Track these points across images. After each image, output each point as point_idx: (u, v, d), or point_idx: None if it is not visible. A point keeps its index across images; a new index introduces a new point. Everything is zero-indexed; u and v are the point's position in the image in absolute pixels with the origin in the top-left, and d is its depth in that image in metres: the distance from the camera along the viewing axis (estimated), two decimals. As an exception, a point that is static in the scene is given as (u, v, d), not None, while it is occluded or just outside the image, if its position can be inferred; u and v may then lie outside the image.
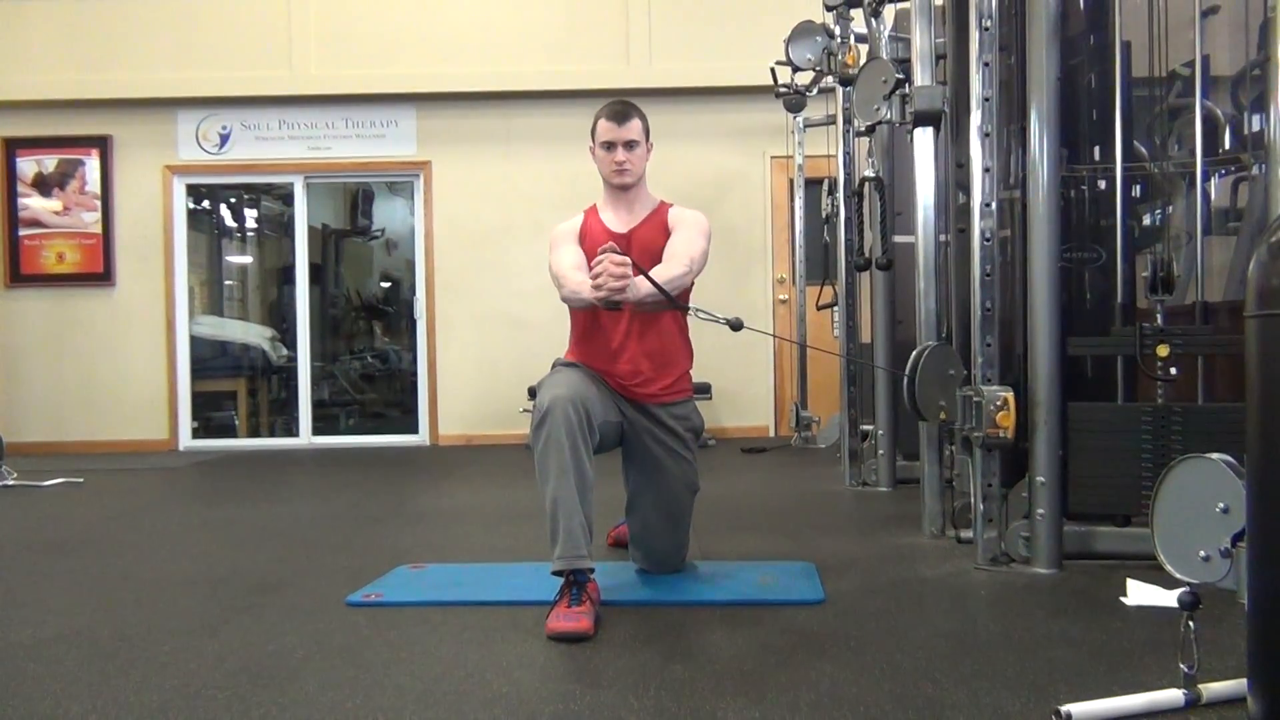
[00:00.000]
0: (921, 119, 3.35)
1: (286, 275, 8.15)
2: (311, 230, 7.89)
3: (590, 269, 2.46)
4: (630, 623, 2.39)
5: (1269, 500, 1.59)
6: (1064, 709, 1.69)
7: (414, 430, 7.62)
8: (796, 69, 5.34)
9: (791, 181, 7.14)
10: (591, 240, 2.73)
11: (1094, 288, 3.25)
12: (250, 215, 9.06)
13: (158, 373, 7.50)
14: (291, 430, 7.79)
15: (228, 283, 9.03)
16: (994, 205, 2.93)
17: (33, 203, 7.51)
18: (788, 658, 2.10)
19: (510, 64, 7.36)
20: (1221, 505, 2.04)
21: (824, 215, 6.20)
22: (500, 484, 5.11)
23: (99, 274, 7.49)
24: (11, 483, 5.35)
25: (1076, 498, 2.89)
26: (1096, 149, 3.24)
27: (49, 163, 7.51)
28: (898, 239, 4.40)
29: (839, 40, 4.66)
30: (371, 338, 9.90)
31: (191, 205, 7.84)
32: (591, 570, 2.40)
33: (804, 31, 5.01)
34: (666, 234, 2.77)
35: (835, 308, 5.61)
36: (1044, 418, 2.81)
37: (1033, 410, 2.83)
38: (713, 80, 7.27)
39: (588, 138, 2.83)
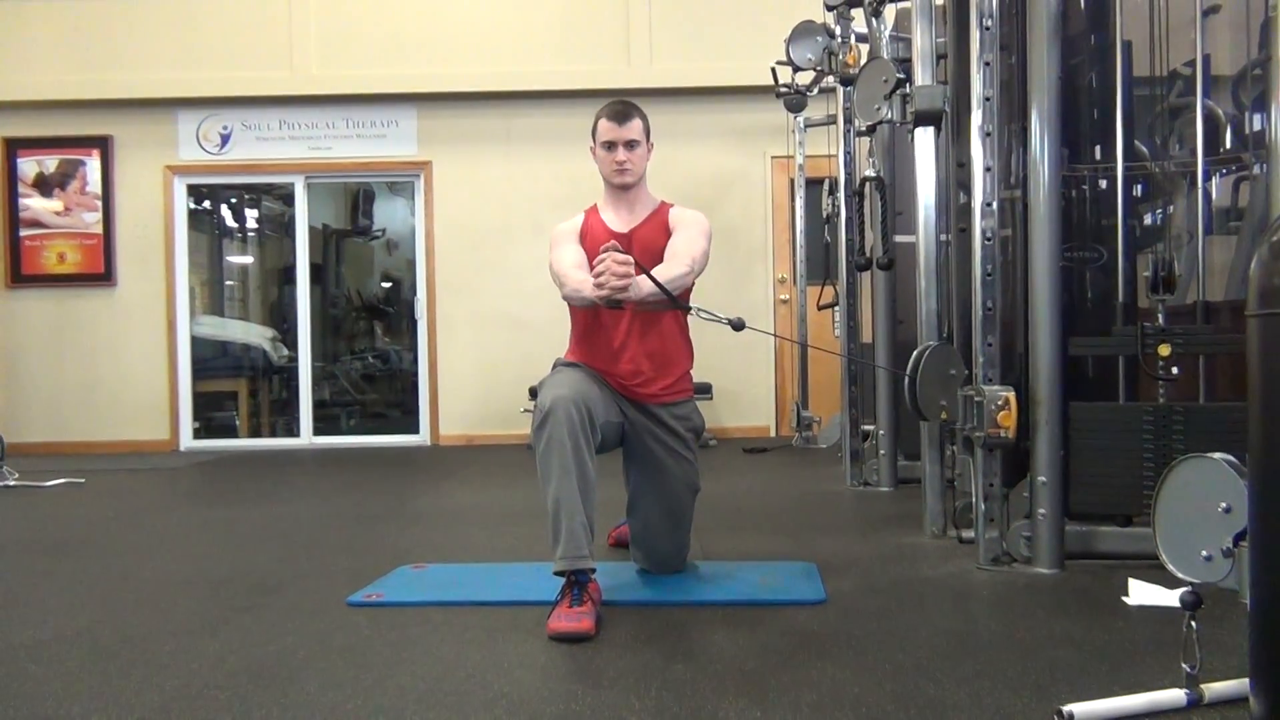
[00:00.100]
0: (922, 118, 3.35)
1: (287, 275, 8.15)
2: (312, 230, 7.90)
3: (592, 268, 2.45)
4: (631, 623, 2.39)
5: (1271, 500, 1.58)
6: (1066, 709, 1.69)
7: (415, 430, 7.62)
8: (797, 69, 5.33)
9: (792, 181, 7.14)
10: (592, 240, 2.72)
11: (1095, 287, 3.25)
12: (251, 215, 9.06)
13: (159, 373, 7.50)
14: (292, 430, 7.79)
15: (229, 283, 9.03)
16: (995, 205, 2.93)
17: (33, 203, 7.51)
18: (789, 658, 2.10)
19: (511, 64, 7.36)
20: (1223, 505, 2.03)
21: (825, 215, 6.20)
22: (501, 484, 5.11)
23: (100, 274, 7.49)
24: (12, 483, 5.35)
25: (1078, 497, 2.89)
26: (1098, 148, 3.24)
27: (50, 163, 7.52)
28: (899, 239, 4.40)
29: (840, 40, 4.66)
30: (372, 338, 9.90)
31: (192, 205, 7.85)
32: (593, 570, 2.39)
33: (805, 31, 5.01)
34: (667, 234, 2.77)
35: (836, 307, 5.60)
36: (1045, 417, 2.81)
37: (1034, 410, 2.83)
38: (713, 80, 7.28)
39: (588, 138, 2.83)
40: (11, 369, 7.49)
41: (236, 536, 3.76)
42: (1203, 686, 1.75)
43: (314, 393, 7.80)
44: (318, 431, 7.71)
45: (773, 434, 7.44)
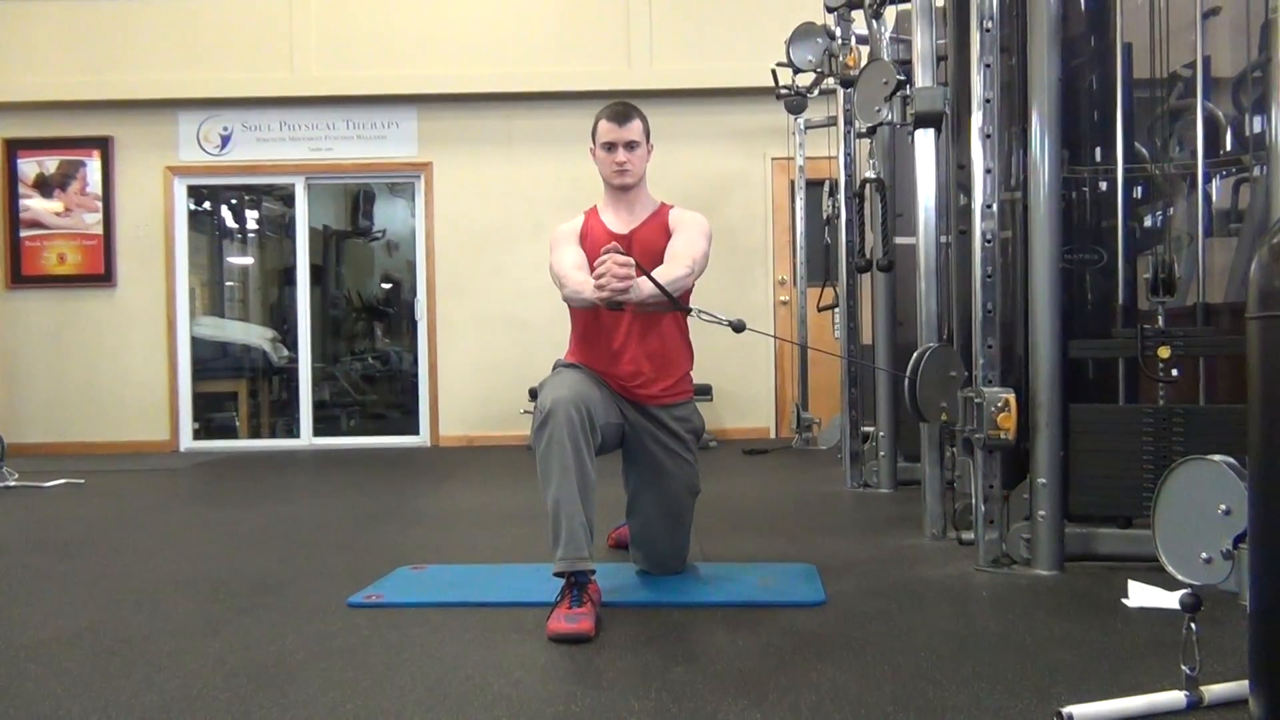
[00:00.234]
0: (922, 120, 3.35)
1: (287, 276, 8.15)
2: (312, 231, 7.89)
3: (592, 269, 2.45)
4: (631, 624, 2.39)
5: (1271, 502, 1.58)
6: (1065, 710, 1.69)
7: (415, 431, 7.62)
8: (797, 70, 5.34)
9: (792, 183, 7.14)
10: (592, 241, 2.73)
11: (1095, 289, 3.25)
12: (251, 216, 9.06)
13: (159, 374, 7.50)
14: (292, 431, 7.79)
15: (229, 284, 9.03)
16: (995, 207, 2.93)
17: (34, 204, 7.51)
18: (789, 659, 2.10)
19: (511, 65, 7.36)
20: (1223, 507, 2.04)
21: (825, 217, 6.20)
22: (501, 485, 5.11)
23: (100, 275, 7.49)
24: (13, 484, 5.35)
25: (1078, 499, 2.89)
26: (1098, 150, 3.24)
27: (50, 164, 7.52)
28: (899, 240, 4.40)
29: (840, 42, 4.66)
30: (372, 339, 9.90)
31: (192, 206, 7.84)
32: (593, 571, 2.40)
33: (805, 33, 5.01)
34: (667, 235, 2.77)
35: (836, 309, 5.61)
36: (1045, 419, 2.81)
37: (1034, 412, 2.83)
38: (713, 82, 7.27)
39: (588, 139, 2.83)
40: (11, 370, 7.49)
41: (236, 537, 3.76)
42: (1202, 688, 1.75)
43: (314, 393, 7.80)
44: (318, 432, 7.71)
45: (773, 435, 7.43)
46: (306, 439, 7.66)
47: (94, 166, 7.50)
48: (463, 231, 7.49)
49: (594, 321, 2.74)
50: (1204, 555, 2.06)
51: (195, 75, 7.37)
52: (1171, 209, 3.34)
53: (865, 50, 4.52)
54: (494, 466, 6.02)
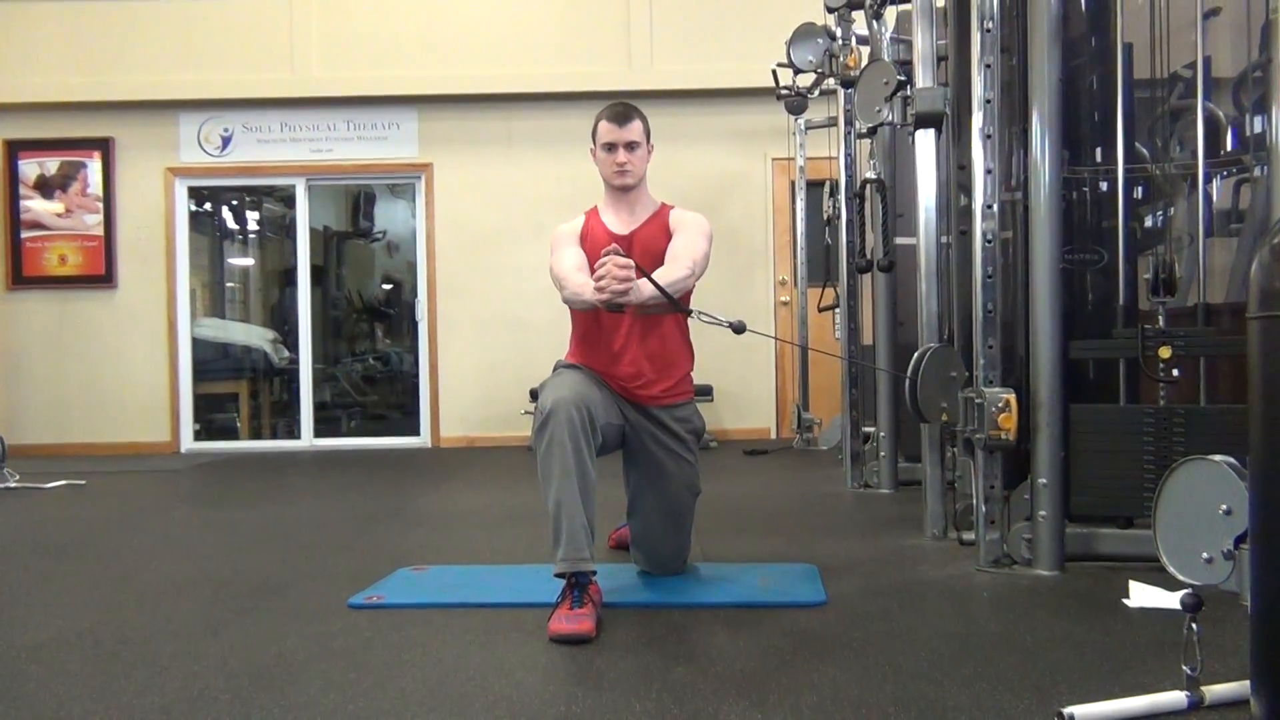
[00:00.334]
0: (923, 121, 3.36)
1: (288, 277, 8.15)
2: (313, 232, 7.90)
3: (593, 271, 2.46)
4: (632, 625, 2.39)
5: (1272, 502, 1.58)
6: (1066, 711, 1.69)
7: (415, 432, 7.62)
8: (798, 71, 5.34)
9: (793, 183, 7.14)
10: (593, 242, 2.73)
11: (1096, 289, 3.24)
12: (252, 217, 9.07)
13: (159, 375, 7.51)
14: (293, 432, 7.80)
15: (229, 285, 9.04)
16: (996, 207, 2.93)
17: (35, 205, 7.52)
18: (789, 660, 2.10)
19: (511, 66, 7.37)
20: (1224, 507, 2.03)
21: (825, 217, 6.21)
22: (502, 486, 5.12)
23: (101, 276, 7.50)
24: (14, 485, 5.35)
25: (1079, 499, 2.89)
26: (1098, 151, 3.24)
27: (51, 165, 7.52)
28: (899, 241, 4.40)
29: (840, 42, 4.66)
30: (373, 340, 9.90)
31: (193, 207, 7.85)
32: (593, 572, 2.40)
33: (805, 33, 5.01)
34: (668, 236, 2.77)
35: (837, 309, 5.61)
36: (1046, 419, 2.81)
37: (1035, 412, 2.83)
38: (714, 82, 7.28)
39: (589, 140, 2.83)
40: (12, 371, 7.49)
41: (237, 538, 3.76)
42: (1203, 689, 1.75)
43: (315, 394, 7.81)
44: (318, 433, 7.72)
45: (773, 436, 7.44)
46: (307, 440, 7.66)
47: (95, 168, 7.51)
48: (463, 232, 7.50)
49: (594, 322, 2.74)
50: (1205, 555, 2.06)
51: (196, 76, 7.38)
52: (1172, 209, 3.34)
53: (866, 51, 4.52)
54: (495, 467, 6.02)
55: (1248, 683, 1.68)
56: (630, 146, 2.75)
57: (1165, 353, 2.80)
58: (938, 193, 3.49)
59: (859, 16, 4.53)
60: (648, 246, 2.72)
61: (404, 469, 6.14)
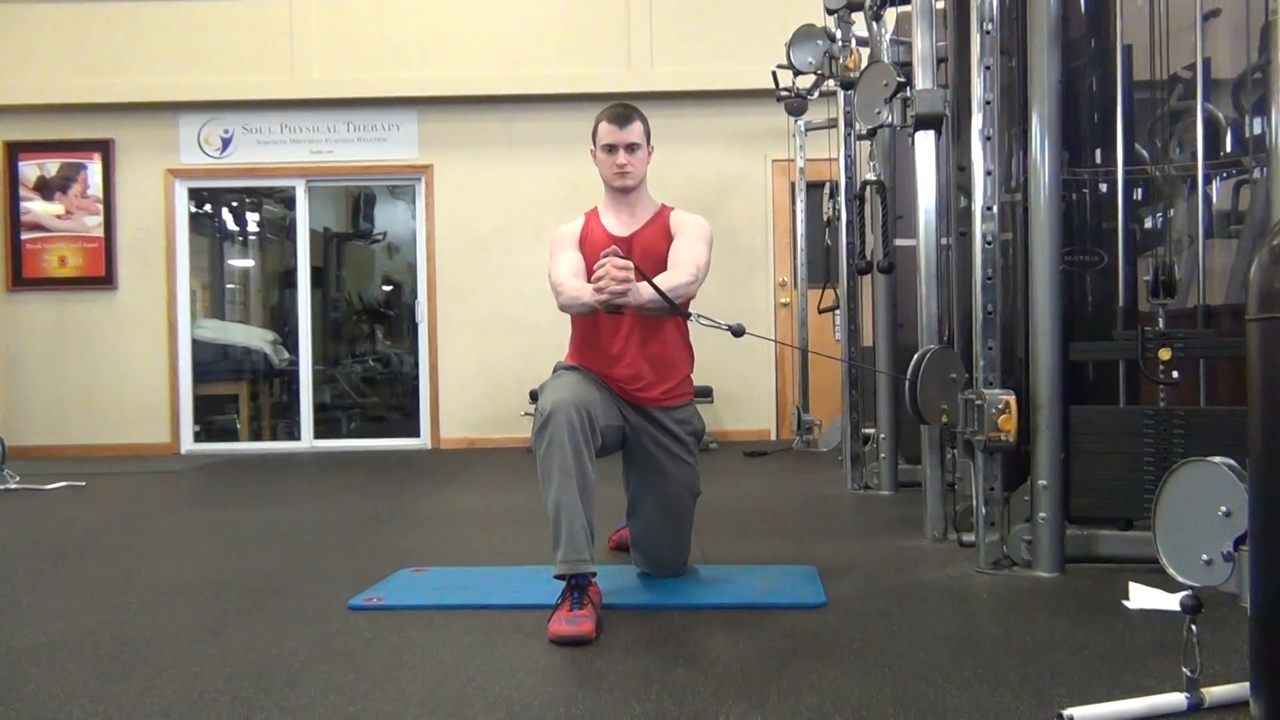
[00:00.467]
0: (923, 122, 3.36)
1: (288, 279, 8.15)
2: (313, 234, 7.90)
3: (592, 272, 2.46)
4: (632, 626, 2.39)
5: (1271, 503, 1.58)
6: (1066, 712, 1.69)
7: (415, 434, 7.62)
8: (798, 72, 5.35)
9: (793, 185, 7.15)
10: (592, 244, 2.73)
11: (1096, 291, 3.25)
12: (252, 219, 9.07)
13: (159, 376, 7.51)
14: (293, 434, 7.80)
15: (229, 286, 9.04)
16: (995, 208, 2.93)
17: (35, 206, 7.52)
18: (789, 661, 2.10)
19: (512, 67, 7.37)
20: (1224, 509, 2.04)
21: (825, 218, 6.21)
22: (502, 487, 5.12)
23: (101, 278, 7.50)
24: (14, 486, 5.35)
25: (1078, 501, 2.89)
26: (1098, 152, 3.24)
27: (51, 166, 7.53)
28: (899, 242, 4.40)
29: (840, 43, 4.66)
30: (373, 341, 9.91)
31: (193, 209, 7.85)
32: (593, 574, 2.40)
33: (805, 35, 5.02)
34: (668, 238, 2.77)
35: (837, 311, 5.61)
36: (1046, 421, 2.81)
37: (1034, 414, 2.83)
38: (714, 83, 7.28)
39: (589, 141, 2.83)
40: (12, 372, 7.49)
41: (237, 540, 3.76)
42: (1203, 690, 1.75)
43: (315, 396, 7.81)
44: (318, 435, 7.72)
45: (773, 437, 7.44)
46: (307, 441, 7.66)
47: (95, 169, 7.51)
48: (463, 234, 7.50)
49: (594, 325, 2.74)
50: (1205, 557, 2.06)
51: (196, 78, 7.38)
52: (1172, 211, 3.34)
53: (865, 52, 4.53)
54: (495, 469, 6.03)
55: (1247, 684, 1.68)
56: (630, 148, 2.75)
57: (1165, 355, 2.80)
58: (937, 194, 3.49)
59: (859, 18, 4.53)
60: (648, 249, 2.73)
61: (404, 470, 6.14)
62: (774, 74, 5.90)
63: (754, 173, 7.50)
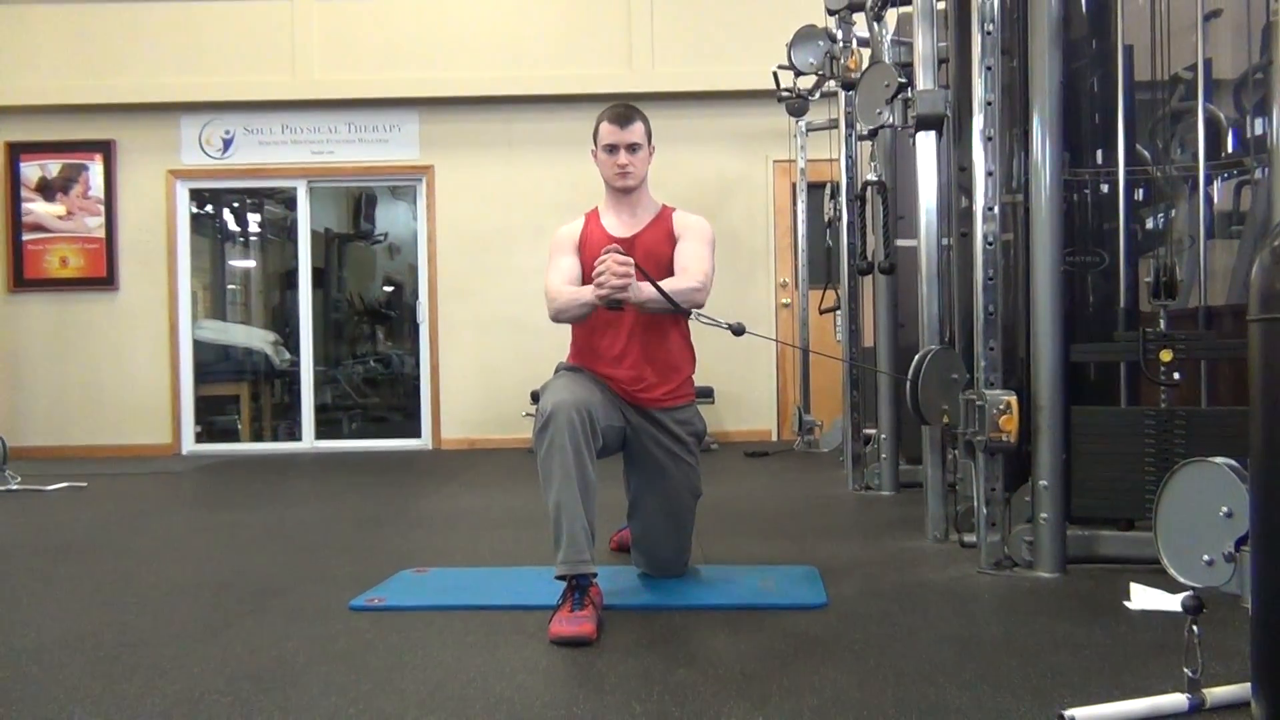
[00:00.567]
0: (924, 123, 3.36)
1: (289, 279, 8.16)
2: (314, 234, 7.91)
3: (592, 273, 2.48)
4: (633, 627, 2.39)
5: (1273, 504, 1.58)
6: (1068, 713, 1.69)
7: (416, 434, 7.62)
8: (799, 73, 5.35)
9: (794, 185, 7.15)
10: (592, 246, 2.72)
11: (1097, 291, 3.25)
12: (253, 219, 9.07)
13: (161, 377, 7.51)
14: (294, 434, 7.80)
15: (230, 287, 9.04)
16: (996, 209, 2.93)
17: (36, 207, 7.53)
18: (790, 662, 2.10)
19: (512, 68, 7.38)
20: (1225, 509, 2.03)
21: (826, 219, 6.21)
22: (503, 488, 5.12)
23: (102, 278, 7.50)
24: (15, 487, 5.36)
25: (1080, 502, 2.89)
26: (1099, 153, 3.24)
27: (53, 167, 7.53)
28: (900, 243, 4.40)
29: (841, 44, 4.66)
30: (374, 342, 9.91)
31: (194, 210, 7.86)
32: (594, 574, 2.39)
33: (806, 35, 5.02)
34: (671, 240, 2.77)
35: (838, 311, 5.61)
36: (1047, 422, 2.81)
37: (1036, 414, 2.82)
38: (715, 84, 7.28)
39: (590, 141, 2.83)
40: (14, 373, 7.50)
41: (238, 540, 3.76)
42: (1204, 691, 1.75)
43: (315, 397, 7.81)
44: (319, 435, 7.72)
45: (774, 438, 7.43)
46: (308, 442, 7.67)
47: (96, 170, 7.52)
48: (464, 234, 7.50)
49: (595, 326, 2.74)
50: (1206, 557, 2.06)
51: (197, 79, 7.39)
52: (1173, 211, 3.34)
53: (866, 53, 4.52)
54: (496, 469, 6.03)
55: (1249, 685, 1.68)
56: (632, 148, 2.75)
57: (1166, 356, 2.80)
58: (939, 195, 3.49)
59: (860, 19, 4.53)
60: (650, 250, 2.73)
61: (405, 471, 6.14)
62: (775, 75, 5.90)
63: (755, 173, 7.50)
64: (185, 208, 7.65)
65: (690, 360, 2.86)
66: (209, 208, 8.38)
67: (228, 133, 7.54)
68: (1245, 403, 1.65)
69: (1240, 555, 1.89)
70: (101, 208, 7.51)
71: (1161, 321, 2.85)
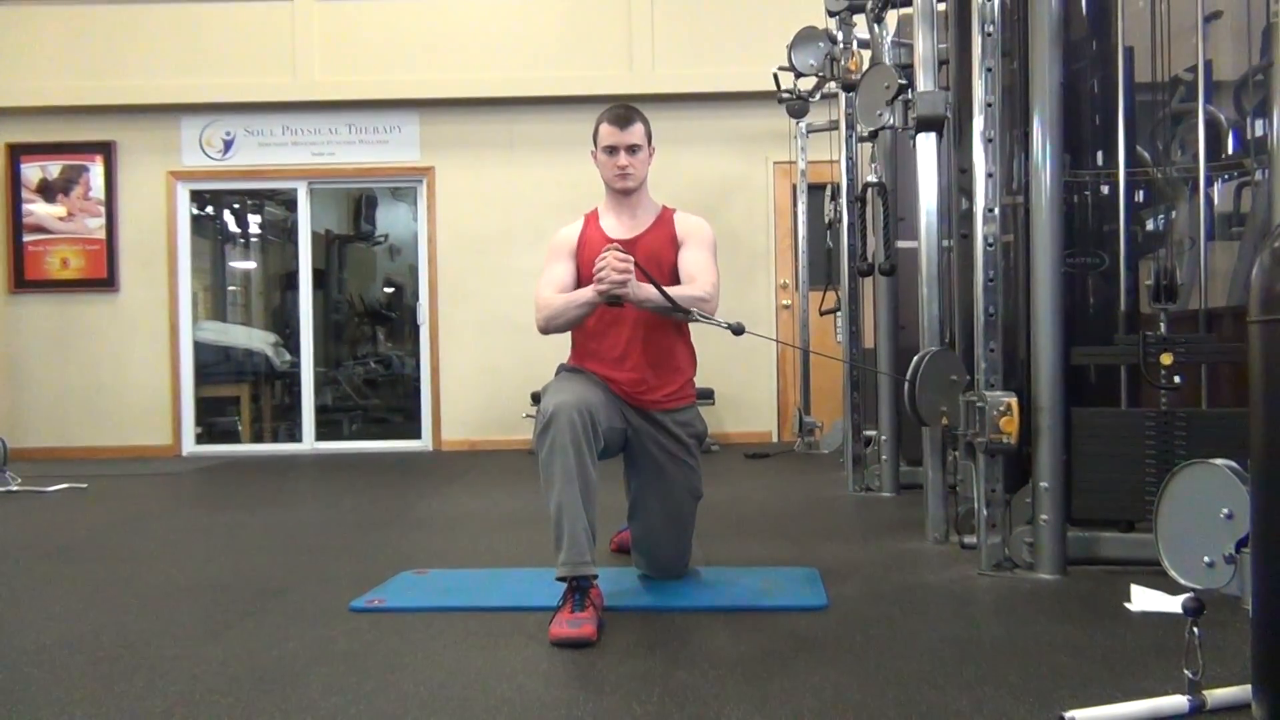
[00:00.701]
0: (924, 124, 3.36)
1: (290, 281, 8.16)
2: (315, 236, 7.90)
3: (594, 266, 2.50)
4: (633, 628, 2.39)
5: (1273, 505, 1.58)
6: (1068, 715, 1.69)
7: (417, 436, 7.62)
8: (799, 74, 5.35)
9: (794, 187, 7.14)
10: (590, 250, 2.72)
11: (1097, 293, 3.25)
12: (254, 221, 9.07)
13: (161, 378, 7.51)
14: (294, 436, 7.80)
15: (231, 288, 9.04)
16: (997, 210, 2.93)
17: (37, 208, 7.53)
18: (790, 663, 2.10)
19: (513, 70, 7.38)
20: (1225, 511, 2.04)
21: (827, 220, 6.21)
22: (503, 489, 5.11)
23: (103, 280, 7.50)
24: (15, 488, 5.35)
25: (1080, 503, 2.89)
26: (1100, 154, 3.24)
27: (53, 169, 7.53)
28: (901, 244, 4.40)
29: (841, 46, 4.66)
30: (374, 343, 9.90)
31: (195, 211, 7.85)
32: (595, 576, 2.39)
33: (807, 37, 5.02)
34: (675, 245, 2.77)
35: (838, 313, 5.61)
36: (1047, 423, 2.81)
37: (1036, 415, 2.82)
38: (715, 86, 7.28)
39: (590, 143, 2.83)
40: (14, 374, 7.50)
41: (239, 541, 3.76)
42: (1205, 692, 1.75)
43: (316, 398, 7.81)
44: (320, 437, 7.72)
45: (775, 439, 7.43)
46: (309, 443, 7.66)
47: (97, 171, 7.52)
48: (464, 236, 7.50)
49: (596, 328, 2.74)
50: (1206, 559, 2.07)
51: (198, 80, 7.39)
52: (1173, 212, 3.34)
53: (867, 54, 4.52)
54: (496, 471, 6.03)
55: (1249, 687, 1.68)
56: (632, 149, 2.75)
57: (1167, 359, 2.80)
58: (939, 196, 3.49)
59: (860, 20, 4.54)
60: (652, 254, 2.72)
61: (405, 472, 6.14)
62: (775, 76, 5.90)
63: (755, 175, 7.50)
64: (186, 209, 7.65)
65: (691, 362, 2.86)
66: (209, 209, 8.38)
67: (228, 134, 7.54)
68: (1246, 404, 1.65)
69: (1241, 557, 1.89)
70: (102, 209, 7.51)
71: (1162, 325, 2.85)
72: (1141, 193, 3.30)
